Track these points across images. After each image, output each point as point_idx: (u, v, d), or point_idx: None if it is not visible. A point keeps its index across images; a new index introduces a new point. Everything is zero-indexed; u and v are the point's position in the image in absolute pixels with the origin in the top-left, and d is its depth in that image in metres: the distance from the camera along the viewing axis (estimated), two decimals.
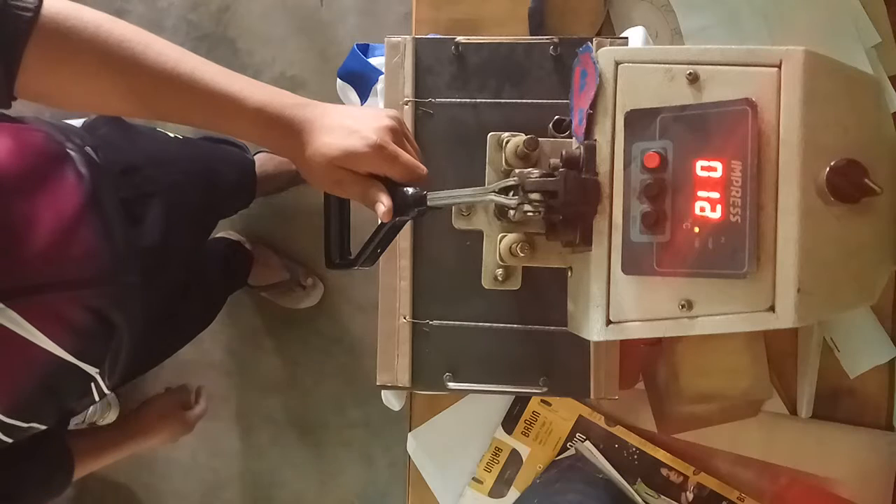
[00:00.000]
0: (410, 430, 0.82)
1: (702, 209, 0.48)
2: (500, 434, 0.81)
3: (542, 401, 0.80)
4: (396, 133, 0.56)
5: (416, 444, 0.82)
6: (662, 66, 0.51)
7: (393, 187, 0.55)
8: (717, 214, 0.48)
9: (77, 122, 0.85)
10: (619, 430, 0.79)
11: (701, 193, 0.49)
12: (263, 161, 1.40)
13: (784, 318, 0.47)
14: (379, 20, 1.49)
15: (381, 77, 0.77)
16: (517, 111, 0.70)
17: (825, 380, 0.78)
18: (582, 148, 0.53)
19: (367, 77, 0.80)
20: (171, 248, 0.83)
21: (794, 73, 0.48)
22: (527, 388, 0.71)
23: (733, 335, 0.70)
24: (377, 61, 0.79)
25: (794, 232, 0.47)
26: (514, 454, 0.81)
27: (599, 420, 0.80)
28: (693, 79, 0.50)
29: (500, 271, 0.61)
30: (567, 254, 0.58)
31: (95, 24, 0.53)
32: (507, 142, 0.59)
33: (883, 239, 0.54)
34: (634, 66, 0.52)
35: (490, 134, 0.59)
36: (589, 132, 0.54)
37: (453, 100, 0.70)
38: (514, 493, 0.81)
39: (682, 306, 0.50)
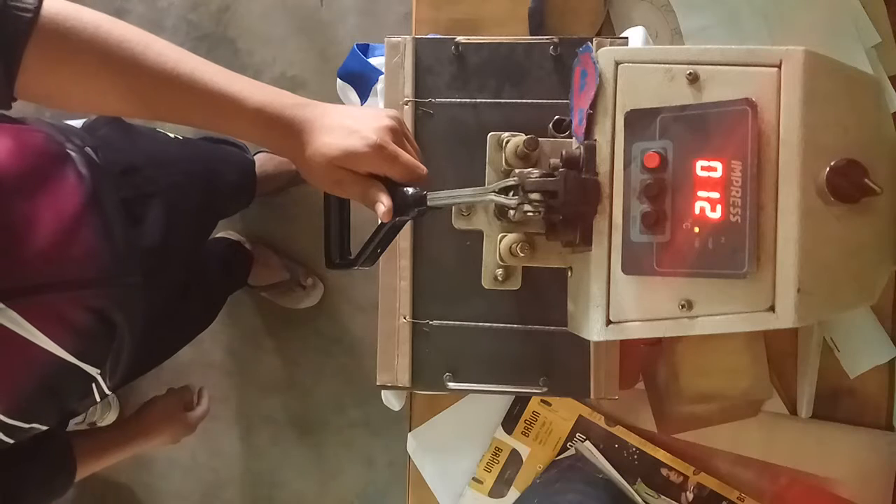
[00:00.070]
0: (410, 430, 0.82)
1: (702, 209, 0.48)
2: (500, 434, 0.81)
3: (542, 401, 0.80)
4: (396, 133, 0.56)
5: (416, 444, 0.82)
6: (662, 66, 0.51)
7: (393, 187, 0.55)
8: (717, 214, 0.48)
9: (77, 123, 0.85)
10: (619, 430, 0.79)
11: (701, 193, 0.49)
12: (263, 161, 1.40)
13: (784, 318, 0.47)
14: (379, 20, 1.49)
15: (381, 77, 0.77)
16: (517, 111, 0.70)
17: (825, 380, 0.78)
18: (582, 148, 0.53)
19: (367, 77, 0.80)
20: (172, 249, 0.83)
21: (794, 73, 0.48)
22: (527, 388, 0.71)
23: (733, 335, 0.70)
24: (377, 61, 0.79)
25: (794, 232, 0.47)
26: (514, 454, 0.81)
27: (599, 420, 0.80)
28: (693, 79, 0.50)
29: (500, 271, 0.61)
30: (567, 254, 0.58)
31: (95, 24, 0.53)
32: (507, 142, 0.59)
33: (883, 239, 0.54)
34: (634, 66, 0.52)
35: (490, 134, 0.59)
36: (589, 132, 0.53)
37: (453, 100, 0.70)
38: (514, 493, 0.81)
39: (682, 306, 0.50)
